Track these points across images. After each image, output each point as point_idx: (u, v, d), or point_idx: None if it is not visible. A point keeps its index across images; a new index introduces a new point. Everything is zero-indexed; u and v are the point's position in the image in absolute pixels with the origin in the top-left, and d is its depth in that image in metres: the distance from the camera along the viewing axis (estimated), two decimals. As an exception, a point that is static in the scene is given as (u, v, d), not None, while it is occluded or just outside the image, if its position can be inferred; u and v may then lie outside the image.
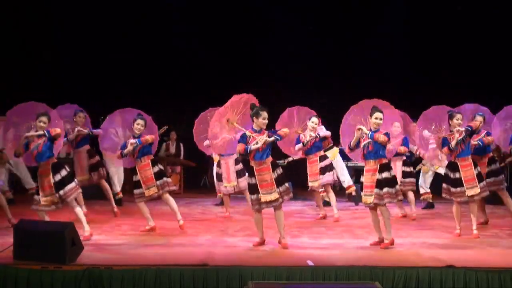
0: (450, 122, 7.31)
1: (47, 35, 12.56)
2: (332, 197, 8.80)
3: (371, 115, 6.65)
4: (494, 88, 12.24)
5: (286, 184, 6.67)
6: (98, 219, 8.59)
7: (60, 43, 12.71)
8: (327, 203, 9.36)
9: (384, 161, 6.68)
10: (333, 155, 9.66)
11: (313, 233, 7.65)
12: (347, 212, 9.98)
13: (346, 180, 10.07)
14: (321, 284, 5.26)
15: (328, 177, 8.69)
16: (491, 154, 8.23)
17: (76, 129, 8.57)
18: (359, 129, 6.63)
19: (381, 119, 6.60)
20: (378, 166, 6.62)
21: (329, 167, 8.80)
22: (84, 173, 8.72)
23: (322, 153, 8.81)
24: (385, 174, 6.62)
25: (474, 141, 7.66)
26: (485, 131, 8.01)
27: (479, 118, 7.99)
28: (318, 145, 8.70)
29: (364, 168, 6.70)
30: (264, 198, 6.52)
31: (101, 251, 6.31)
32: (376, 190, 6.57)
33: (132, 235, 7.34)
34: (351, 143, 6.71)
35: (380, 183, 6.58)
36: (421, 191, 9.95)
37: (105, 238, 7.14)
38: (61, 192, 6.88)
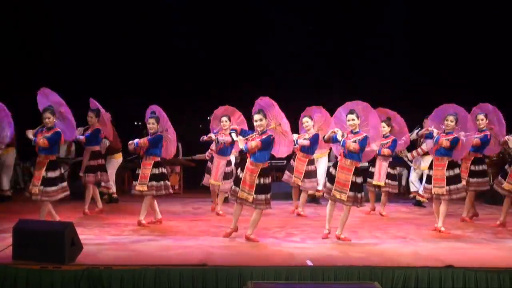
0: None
1: (47, 35, 12.56)
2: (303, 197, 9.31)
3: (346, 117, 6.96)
4: (494, 88, 12.24)
5: (267, 196, 6.84)
6: (97, 219, 8.60)
7: (60, 43, 12.71)
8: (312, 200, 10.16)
9: (359, 165, 6.96)
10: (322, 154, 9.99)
11: (312, 233, 7.64)
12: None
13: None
14: (321, 284, 5.26)
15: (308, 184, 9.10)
16: (480, 154, 8.35)
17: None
18: (333, 131, 6.93)
19: (353, 119, 6.88)
20: (354, 168, 6.87)
21: (315, 173, 9.13)
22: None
23: (311, 157, 9.11)
24: (358, 179, 6.92)
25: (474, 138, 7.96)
26: (488, 133, 8.08)
27: (480, 117, 8.17)
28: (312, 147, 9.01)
29: (339, 163, 6.94)
30: (240, 194, 6.82)
31: (101, 251, 6.30)
32: (350, 193, 6.86)
33: (131, 235, 7.34)
34: (325, 136, 7.07)
35: (353, 185, 6.86)
36: (412, 188, 10.15)
37: (104, 238, 7.13)
38: (46, 189, 7.29)
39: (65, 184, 7.53)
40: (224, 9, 13.23)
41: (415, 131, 9.39)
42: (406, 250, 6.56)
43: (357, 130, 6.93)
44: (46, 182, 7.32)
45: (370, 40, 13.27)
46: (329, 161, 10.39)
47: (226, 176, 8.96)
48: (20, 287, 5.27)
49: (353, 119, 6.88)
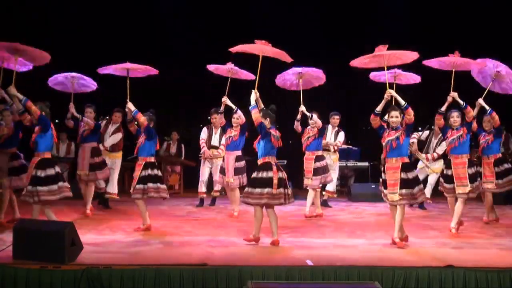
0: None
1: (46, 39, 12.54)
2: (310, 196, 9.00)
3: (388, 114, 6.85)
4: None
5: (286, 190, 6.73)
6: (97, 218, 8.60)
7: (59, 43, 12.69)
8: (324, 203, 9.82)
9: (406, 160, 6.76)
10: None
11: (312, 232, 7.65)
12: (346, 212, 9.99)
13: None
14: (321, 284, 5.26)
15: (315, 181, 8.82)
16: (499, 154, 8.33)
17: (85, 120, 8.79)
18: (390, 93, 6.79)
19: (397, 117, 6.73)
20: (400, 164, 6.68)
21: (322, 169, 8.87)
22: (84, 168, 8.80)
23: (319, 153, 8.91)
24: (410, 174, 6.67)
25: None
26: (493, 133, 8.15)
27: (485, 119, 8.16)
28: (317, 143, 8.84)
29: (386, 165, 6.75)
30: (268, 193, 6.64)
31: (101, 251, 6.30)
32: (402, 190, 6.62)
33: (131, 235, 7.33)
34: (378, 107, 6.79)
35: (404, 182, 6.63)
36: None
37: (104, 238, 7.13)
38: (36, 188, 6.88)
39: (61, 184, 7.05)
40: (224, 10, 13.21)
41: (425, 132, 9.33)
42: (406, 250, 6.55)
43: (397, 127, 6.78)
44: (36, 181, 6.91)
45: (371, 40, 13.21)
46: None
47: (237, 172, 8.84)
48: (20, 287, 5.26)
49: (397, 116, 6.73)
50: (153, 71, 8.51)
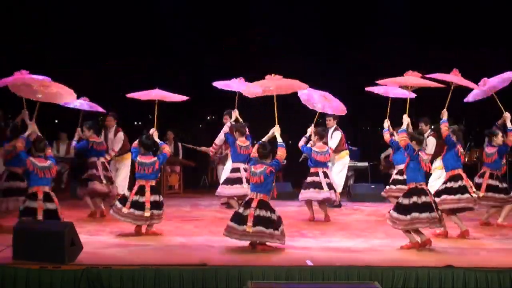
0: None
1: (46, 39, 12.56)
2: None
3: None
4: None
5: (264, 229, 6.32)
6: (97, 219, 8.60)
7: (59, 43, 12.71)
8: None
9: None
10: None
11: (312, 233, 7.65)
12: (346, 212, 9.98)
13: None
14: (320, 284, 5.27)
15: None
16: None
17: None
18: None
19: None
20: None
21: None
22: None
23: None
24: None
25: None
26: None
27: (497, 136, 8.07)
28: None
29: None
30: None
31: (100, 251, 6.30)
32: None
33: (131, 235, 7.33)
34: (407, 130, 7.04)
35: None
36: None
37: (104, 238, 7.14)
38: None
39: None
40: (224, 10, 13.21)
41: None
42: (406, 250, 6.54)
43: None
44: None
45: (370, 40, 13.23)
46: None
47: (235, 181, 8.79)
48: (20, 287, 5.27)
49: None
50: (183, 98, 8.41)
